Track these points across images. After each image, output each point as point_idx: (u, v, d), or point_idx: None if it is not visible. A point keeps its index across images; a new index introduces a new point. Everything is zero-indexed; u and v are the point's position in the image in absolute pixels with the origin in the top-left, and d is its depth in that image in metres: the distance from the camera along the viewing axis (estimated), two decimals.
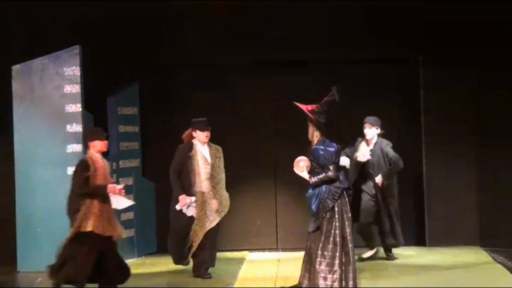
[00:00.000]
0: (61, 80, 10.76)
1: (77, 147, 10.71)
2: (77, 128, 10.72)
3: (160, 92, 12.10)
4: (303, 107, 8.58)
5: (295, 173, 8.76)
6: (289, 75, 11.95)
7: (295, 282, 9.41)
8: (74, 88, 10.74)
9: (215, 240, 9.78)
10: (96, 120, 11.03)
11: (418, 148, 11.86)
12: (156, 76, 12.15)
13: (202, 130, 9.69)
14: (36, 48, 10.94)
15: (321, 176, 8.36)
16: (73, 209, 8.74)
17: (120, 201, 8.91)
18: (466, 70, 11.64)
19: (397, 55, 11.89)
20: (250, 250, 11.75)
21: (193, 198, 9.62)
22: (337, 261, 8.30)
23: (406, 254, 11.15)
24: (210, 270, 9.82)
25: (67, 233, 10.56)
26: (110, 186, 8.74)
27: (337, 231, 8.32)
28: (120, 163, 11.26)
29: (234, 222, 11.75)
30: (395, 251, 11.17)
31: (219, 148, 9.83)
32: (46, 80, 10.81)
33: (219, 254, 10.31)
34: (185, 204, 9.63)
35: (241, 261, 11.07)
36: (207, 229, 9.61)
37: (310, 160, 8.48)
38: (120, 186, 8.89)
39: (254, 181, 12.02)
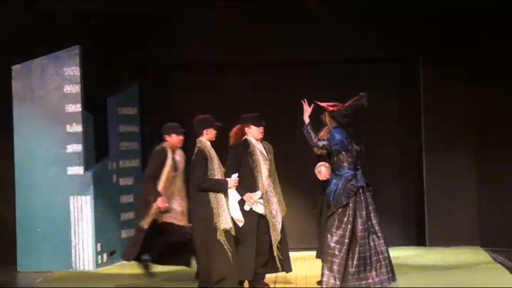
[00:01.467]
0: (61, 80, 10.77)
1: (77, 147, 10.72)
2: (77, 128, 10.73)
3: (160, 92, 12.11)
4: (325, 106, 8.61)
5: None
6: (289, 75, 11.95)
7: (294, 282, 9.42)
8: (74, 88, 10.75)
9: (286, 241, 9.10)
10: (96, 120, 11.04)
11: (418, 147, 11.86)
12: (156, 76, 12.16)
13: (257, 125, 8.96)
14: (36, 48, 10.94)
15: (313, 135, 8.49)
16: (199, 206, 8.41)
17: (234, 196, 8.60)
18: (466, 70, 11.64)
19: (397, 55, 11.90)
20: None
21: (259, 193, 8.83)
22: (340, 260, 8.34)
23: (406, 254, 11.15)
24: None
25: (67, 233, 10.65)
26: (231, 181, 8.50)
27: (348, 229, 8.35)
28: (120, 163, 11.26)
29: None
30: (395, 252, 11.20)
31: (270, 145, 9.22)
32: (46, 80, 10.81)
33: None
34: (255, 201, 8.86)
35: None
36: (279, 231, 8.90)
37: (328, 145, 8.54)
38: (235, 177, 8.60)
39: None
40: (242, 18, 11.63)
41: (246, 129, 9.00)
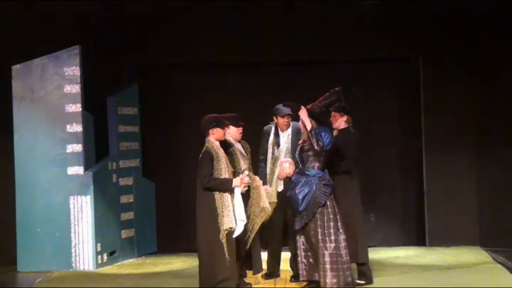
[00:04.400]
0: (61, 80, 10.77)
1: (77, 147, 10.71)
2: (77, 128, 10.73)
3: (160, 92, 12.11)
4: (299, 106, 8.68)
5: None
6: (289, 75, 11.95)
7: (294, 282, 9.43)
8: (74, 88, 10.75)
9: (259, 242, 9.17)
10: (96, 120, 11.04)
11: (418, 147, 11.86)
12: (156, 76, 12.16)
13: (237, 126, 8.99)
14: (36, 48, 10.94)
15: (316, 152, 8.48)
16: (204, 206, 8.43)
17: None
18: (466, 70, 11.64)
19: (397, 55, 11.89)
20: None
21: (245, 172, 8.84)
22: (341, 258, 8.40)
23: (406, 254, 11.15)
24: None
25: (67, 233, 10.65)
26: (236, 180, 8.50)
27: (332, 225, 8.40)
28: (120, 163, 11.26)
29: None
30: (395, 252, 11.24)
31: (247, 143, 9.24)
32: (46, 80, 10.81)
33: None
34: (248, 182, 8.77)
35: None
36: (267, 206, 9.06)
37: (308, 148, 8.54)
38: (246, 174, 8.63)
39: None
40: (242, 18, 11.62)
41: (225, 129, 8.97)
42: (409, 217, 12.01)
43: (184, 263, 10.91)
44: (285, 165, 8.73)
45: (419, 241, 11.83)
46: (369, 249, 11.40)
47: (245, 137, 9.22)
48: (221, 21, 11.63)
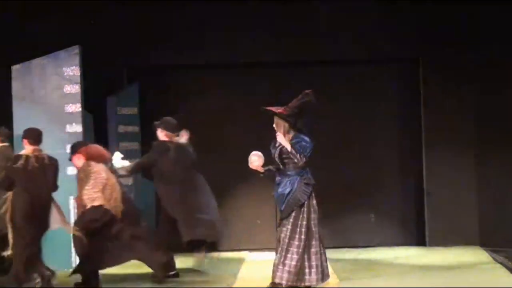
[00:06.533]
0: (61, 80, 10.76)
1: None
2: (77, 128, 10.72)
3: (159, 92, 12.11)
4: (273, 109, 8.72)
5: None
6: (288, 76, 11.95)
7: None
8: (74, 88, 10.74)
9: None
10: (96, 120, 11.04)
11: (418, 148, 11.86)
12: (155, 76, 12.16)
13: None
14: (36, 48, 10.95)
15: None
16: None
17: None
18: (466, 70, 11.64)
19: (397, 55, 11.90)
20: (250, 250, 11.74)
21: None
22: (302, 255, 8.39)
23: (406, 254, 11.15)
24: None
25: (67, 233, 10.64)
26: None
27: (304, 224, 8.41)
28: None
29: (234, 222, 11.79)
30: (395, 252, 11.25)
31: None
32: (46, 80, 10.80)
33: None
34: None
35: (240, 261, 11.07)
36: None
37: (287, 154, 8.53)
38: None
39: (254, 181, 12.00)
40: (242, 18, 11.63)
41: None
42: (409, 217, 12.02)
43: (184, 263, 10.90)
44: (253, 158, 8.70)
45: (419, 241, 11.83)
46: (369, 249, 11.48)
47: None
48: (220, 21, 11.64)
